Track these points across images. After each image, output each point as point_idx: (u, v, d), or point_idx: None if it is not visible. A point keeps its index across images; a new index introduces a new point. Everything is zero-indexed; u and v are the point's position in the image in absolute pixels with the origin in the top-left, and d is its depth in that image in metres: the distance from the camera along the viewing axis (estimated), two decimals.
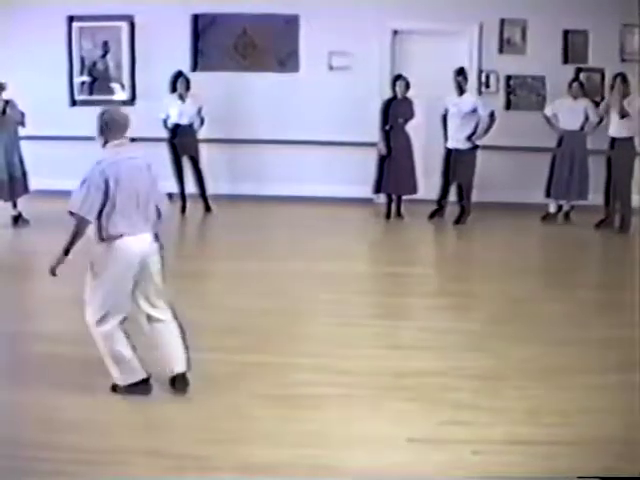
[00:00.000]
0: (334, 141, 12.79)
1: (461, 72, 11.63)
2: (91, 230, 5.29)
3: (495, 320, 7.39)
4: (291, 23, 12.85)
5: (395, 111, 11.79)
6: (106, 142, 5.38)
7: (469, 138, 11.60)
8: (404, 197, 12.08)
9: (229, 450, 4.85)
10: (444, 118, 11.83)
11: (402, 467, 4.70)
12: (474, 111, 11.57)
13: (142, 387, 5.56)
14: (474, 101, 11.67)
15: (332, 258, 9.51)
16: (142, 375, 5.56)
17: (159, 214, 5.58)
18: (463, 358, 6.39)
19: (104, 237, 5.28)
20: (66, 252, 5.24)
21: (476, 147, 11.70)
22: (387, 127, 11.78)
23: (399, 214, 12.10)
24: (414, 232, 11.68)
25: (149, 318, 5.57)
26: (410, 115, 11.86)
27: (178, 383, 5.60)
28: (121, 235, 5.28)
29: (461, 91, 11.63)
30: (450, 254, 10.69)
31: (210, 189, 12.29)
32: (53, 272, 5.30)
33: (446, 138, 11.84)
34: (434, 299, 8.03)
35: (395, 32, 12.77)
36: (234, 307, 7.55)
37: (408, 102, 11.81)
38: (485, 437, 5.07)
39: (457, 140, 11.67)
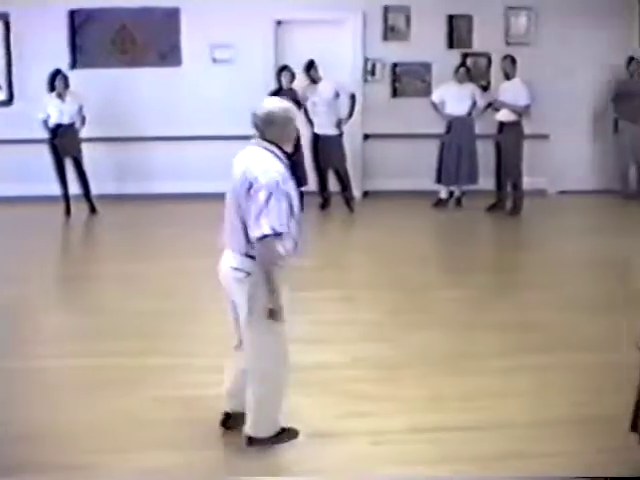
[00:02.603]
0: (219, 135, 12.46)
1: (311, 65, 11.70)
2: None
3: (393, 309, 7.36)
4: (171, 16, 12.56)
5: None
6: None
7: (338, 125, 11.71)
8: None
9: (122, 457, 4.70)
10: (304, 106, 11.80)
11: (300, 463, 4.66)
12: (337, 96, 11.69)
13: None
14: (334, 86, 11.73)
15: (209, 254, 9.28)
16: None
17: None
18: (362, 349, 6.34)
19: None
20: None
21: (342, 133, 11.84)
22: None
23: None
24: (305, 223, 11.52)
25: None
26: (297, 106, 11.71)
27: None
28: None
29: (315, 81, 11.74)
30: (342, 245, 10.59)
31: (94, 189, 11.90)
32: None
33: (311, 124, 11.85)
34: (327, 291, 7.86)
35: (279, 22, 12.61)
36: (123, 309, 7.33)
37: (293, 93, 11.67)
38: (386, 427, 5.03)
39: (325, 126, 11.75)
